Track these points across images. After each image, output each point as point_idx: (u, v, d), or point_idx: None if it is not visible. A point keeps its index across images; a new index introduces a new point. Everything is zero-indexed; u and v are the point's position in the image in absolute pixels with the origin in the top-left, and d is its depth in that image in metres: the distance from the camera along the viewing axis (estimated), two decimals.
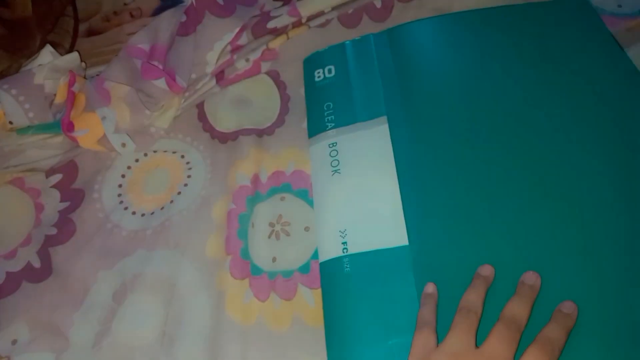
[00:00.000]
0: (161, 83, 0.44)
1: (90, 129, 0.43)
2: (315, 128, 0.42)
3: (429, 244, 0.34)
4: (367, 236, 0.35)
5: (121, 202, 0.42)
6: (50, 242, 0.40)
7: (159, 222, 0.41)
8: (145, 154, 0.44)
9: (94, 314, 0.37)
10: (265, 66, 0.47)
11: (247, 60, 0.47)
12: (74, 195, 0.43)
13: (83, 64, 0.48)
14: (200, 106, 0.46)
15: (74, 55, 0.46)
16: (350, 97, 0.42)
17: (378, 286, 0.33)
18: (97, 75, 0.45)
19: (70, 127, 0.42)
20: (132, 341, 0.36)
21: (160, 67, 0.45)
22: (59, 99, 0.44)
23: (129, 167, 0.44)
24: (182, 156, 0.44)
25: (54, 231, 0.41)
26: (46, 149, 0.43)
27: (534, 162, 0.35)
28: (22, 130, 0.43)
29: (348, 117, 0.41)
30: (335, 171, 0.38)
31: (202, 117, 0.46)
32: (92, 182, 0.43)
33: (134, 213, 0.42)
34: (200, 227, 0.40)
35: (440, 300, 0.31)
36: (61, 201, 0.43)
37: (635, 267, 0.30)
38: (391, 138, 0.38)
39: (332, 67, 0.44)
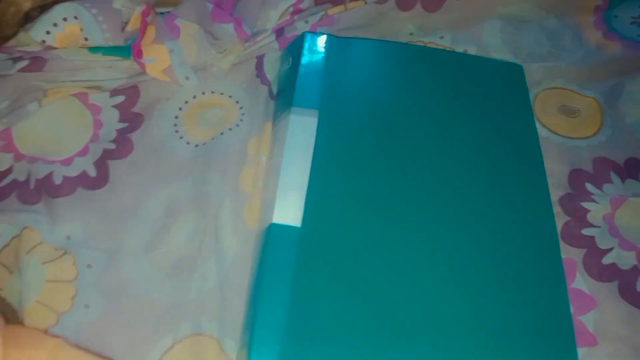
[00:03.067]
0: (229, 27, 0.47)
1: (157, 58, 0.45)
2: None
3: (318, 235, 0.37)
4: (268, 210, 0.38)
5: (177, 131, 0.45)
6: (108, 155, 0.43)
7: (209, 151, 0.44)
8: (203, 93, 0.47)
9: (146, 224, 0.40)
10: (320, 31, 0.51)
11: (307, 22, 0.50)
12: (133, 117, 0.45)
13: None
14: (259, 58, 0.49)
15: None
16: (293, 84, 0.44)
17: (265, 258, 0.36)
18: (168, 12, 0.48)
19: (140, 53, 0.45)
20: (181, 251, 0.39)
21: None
22: (131, 26, 0.46)
23: (186, 102, 0.47)
24: (237, 102, 0.47)
25: (112, 146, 0.43)
26: (114, 70, 0.46)
27: (432, 195, 0.40)
28: (93, 49, 0.45)
29: (287, 102, 0.44)
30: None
31: (259, 69, 0.49)
32: (151, 109, 0.46)
33: (188, 143, 0.44)
34: (241, 160, 0.43)
35: (315, 297, 0.35)
36: (119, 121, 0.45)
37: None
38: (317, 132, 0.42)
39: (291, 59, 0.47)
